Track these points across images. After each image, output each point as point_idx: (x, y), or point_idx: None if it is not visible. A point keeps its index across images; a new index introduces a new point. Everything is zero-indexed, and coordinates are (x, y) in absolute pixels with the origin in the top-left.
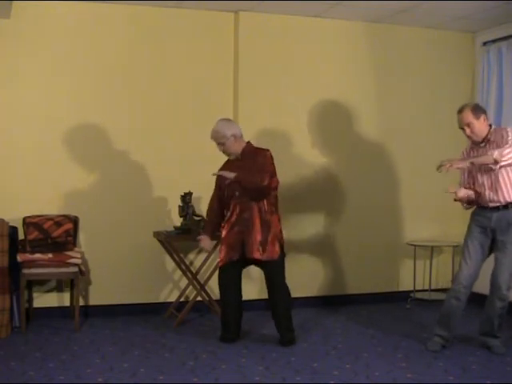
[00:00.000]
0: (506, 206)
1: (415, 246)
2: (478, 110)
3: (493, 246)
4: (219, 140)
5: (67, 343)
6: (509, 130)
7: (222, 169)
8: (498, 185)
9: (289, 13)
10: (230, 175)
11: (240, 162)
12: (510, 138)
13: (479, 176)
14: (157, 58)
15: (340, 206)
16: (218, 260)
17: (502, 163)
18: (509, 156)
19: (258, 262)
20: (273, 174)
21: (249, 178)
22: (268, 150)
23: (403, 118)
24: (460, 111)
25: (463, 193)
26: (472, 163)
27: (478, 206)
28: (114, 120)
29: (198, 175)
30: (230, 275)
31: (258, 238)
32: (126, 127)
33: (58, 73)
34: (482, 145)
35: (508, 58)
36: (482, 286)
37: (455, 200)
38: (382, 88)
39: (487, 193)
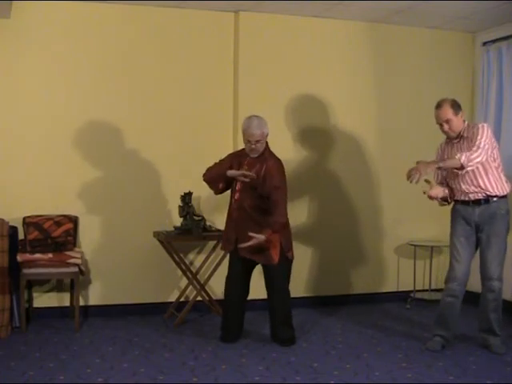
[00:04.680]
0: (488, 200)
1: (415, 245)
2: (456, 107)
3: (478, 241)
4: (260, 137)
5: (67, 343)
6: (480, 127)
7: (241, 164)
8: (474, 176)
9: (289, 13)
10: (261, 238)
11: (260, 164)
12: (479, 139)
13: (453, 171)
14: (156, 58)
15: (340, 206)
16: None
17: (468, 168)
18: (475, 161)
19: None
20: (286, 195)
21: (275, 224)
22: (279, 160)
23: (403, 118)
24: (439, 106)
25: (436, 191)
26: (439, 168)
27: (457, 202)
28: (113, 120)
29: (198, 175)
30: (236, 271)
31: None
32: (126, 127)
33: (57, 73)
34: (456, 141)
35: (508, 58)
36: (477, 285)
37: (430, 198)
38: (382, 88)
39: (464, 187)
